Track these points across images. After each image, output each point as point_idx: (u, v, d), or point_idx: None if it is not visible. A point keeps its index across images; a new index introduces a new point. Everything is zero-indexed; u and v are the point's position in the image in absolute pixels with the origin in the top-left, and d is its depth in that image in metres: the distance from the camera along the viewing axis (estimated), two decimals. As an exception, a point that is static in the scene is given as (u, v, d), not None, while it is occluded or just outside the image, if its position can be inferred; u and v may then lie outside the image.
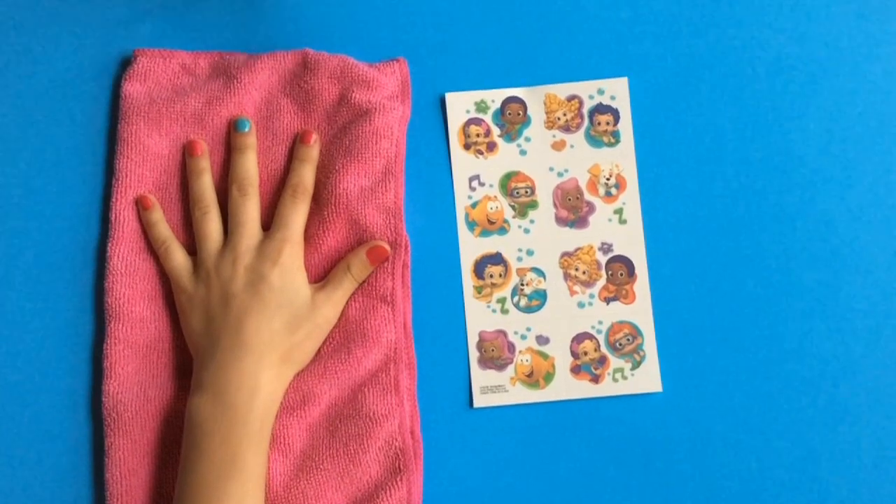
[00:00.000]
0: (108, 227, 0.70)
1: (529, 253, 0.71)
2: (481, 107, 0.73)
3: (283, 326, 0.66)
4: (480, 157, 0.72)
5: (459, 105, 0.73)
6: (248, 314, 0.66)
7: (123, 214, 0.70)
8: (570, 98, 0.73)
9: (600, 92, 0.73)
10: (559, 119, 0.73)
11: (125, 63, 0.74)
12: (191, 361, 0.68)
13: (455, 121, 0.73)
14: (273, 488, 0.66)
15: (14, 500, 0.67)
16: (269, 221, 0.70)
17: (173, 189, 0.71)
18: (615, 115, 0.73)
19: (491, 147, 0.73)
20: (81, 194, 0.72)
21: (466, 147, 0.72)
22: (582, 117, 0.73)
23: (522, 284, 0.71)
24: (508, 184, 0.72)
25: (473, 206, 0.72)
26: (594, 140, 0.72)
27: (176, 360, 0.69)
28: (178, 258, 0.69)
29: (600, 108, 0.73)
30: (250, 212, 0.70)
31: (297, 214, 0.69)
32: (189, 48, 0.74)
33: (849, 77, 0.74)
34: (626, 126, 0.73)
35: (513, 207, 0.72)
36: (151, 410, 0.68)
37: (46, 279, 0.71)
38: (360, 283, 0.69)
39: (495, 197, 0.72)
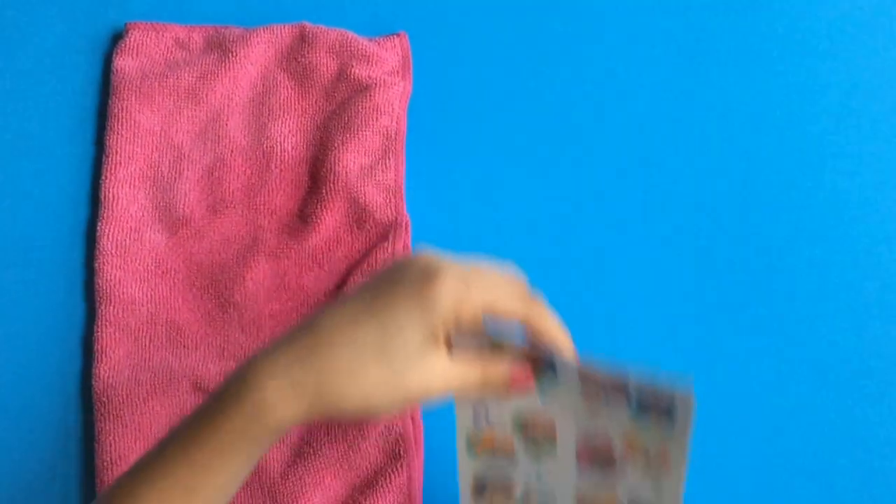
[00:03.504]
0: (98, 207, 0.69)
1: None
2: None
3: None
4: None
5: (464, 413, 0.55)
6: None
7: (114, 193, 0.69)
8: None
9: None
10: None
11: (116, 37, 0.73)
12: (183, 344, 0.67)
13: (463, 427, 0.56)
14: (270, 475, 0.64)
15: (2, 485, 0.66)
16: (258, 202, 0.69)
17: (165, 166, 0.70)
18: None
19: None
20: (71, 172, 0.71)
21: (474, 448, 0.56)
22: None
23: None
24: None
25: None
26: None
27: (168, 343, 0.68)
28: None
29: None
30: None
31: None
32: (183, 21, 0.73)
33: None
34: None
35: None
36: (142, 394, 0.66)
37: (35, 260, 0.69)
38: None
39: None
